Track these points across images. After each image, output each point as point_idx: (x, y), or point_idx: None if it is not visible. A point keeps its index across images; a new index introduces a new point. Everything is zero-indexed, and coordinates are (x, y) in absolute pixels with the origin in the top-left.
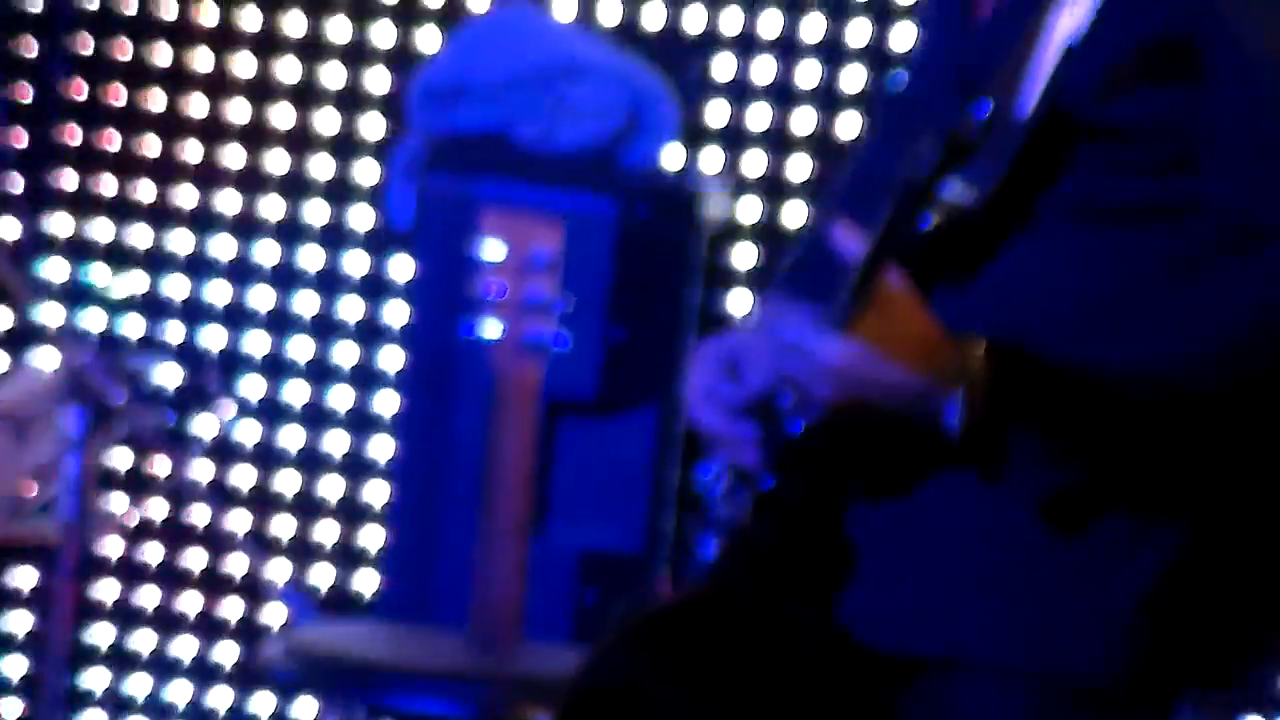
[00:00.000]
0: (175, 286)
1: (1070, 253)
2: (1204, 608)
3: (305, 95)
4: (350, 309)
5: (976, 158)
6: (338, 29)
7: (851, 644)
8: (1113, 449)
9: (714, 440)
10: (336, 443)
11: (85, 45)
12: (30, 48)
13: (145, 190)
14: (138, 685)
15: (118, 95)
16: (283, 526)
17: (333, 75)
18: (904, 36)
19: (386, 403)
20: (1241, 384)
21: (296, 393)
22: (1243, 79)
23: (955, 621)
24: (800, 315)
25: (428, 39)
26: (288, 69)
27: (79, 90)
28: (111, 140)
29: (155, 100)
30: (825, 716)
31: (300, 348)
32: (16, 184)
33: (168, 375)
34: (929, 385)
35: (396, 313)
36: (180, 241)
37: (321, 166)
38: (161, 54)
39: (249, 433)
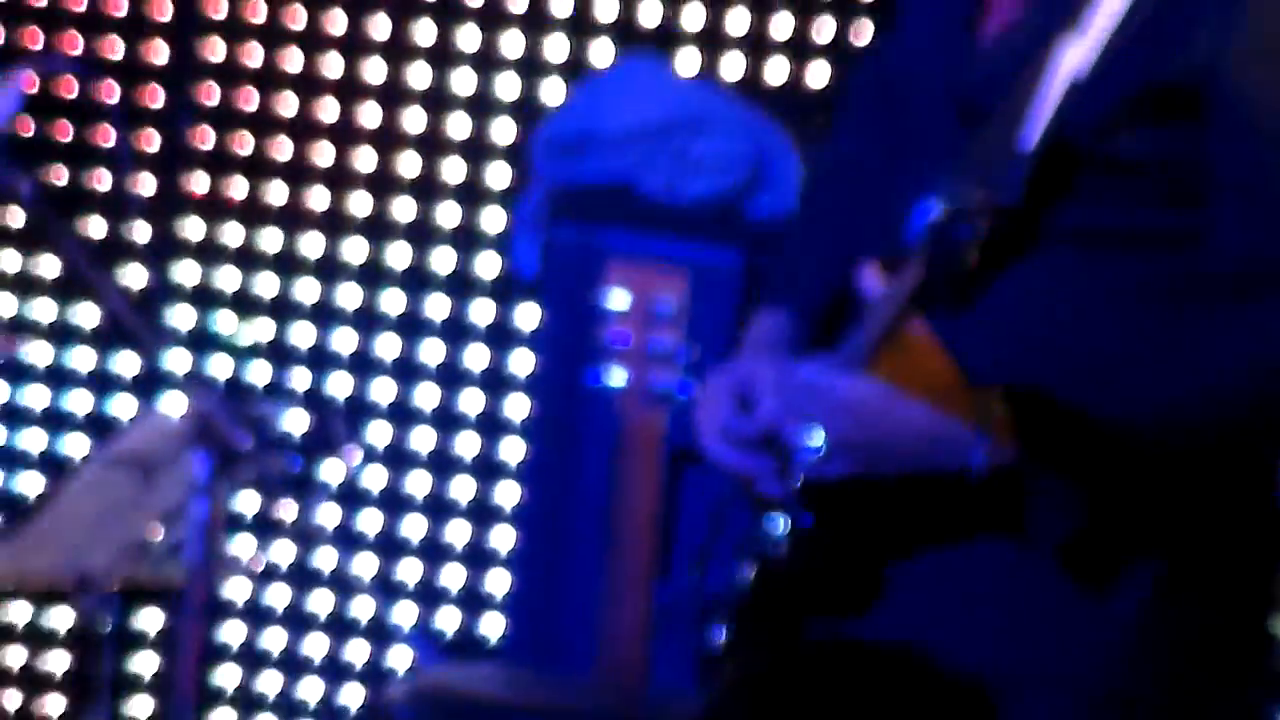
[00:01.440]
0: (301, 334)
1: (1075, 282)
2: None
3: (431, 144)
4: (476, 357)
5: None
6: (463, 80)
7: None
8: (1128, 494)
9: (730, 475)
10: (463, 489)
11: (211, 95)
12: (156, 97)
13: (271, 238)
14: None
15: (243, 143)
16: (409, 571)
17: (459, 125)
18: None
19: (512, 450)
20: (1244, 431)
21: (422, 439)
22: (1251, 131)
23: (985, 645)
24: (817, 360)
25: (552, 90)
26: (414, 119)
27: (205, 138)
28: (238, 187)
29: (281, 149)
30: None
31: (426, 395)
32: (145, 232)
33: (294, 421)
34: (954, 428)
35: (522, 361)
36: (306, 289)
37: (448, 214)
38: (287, 103)
39: (375, 479)
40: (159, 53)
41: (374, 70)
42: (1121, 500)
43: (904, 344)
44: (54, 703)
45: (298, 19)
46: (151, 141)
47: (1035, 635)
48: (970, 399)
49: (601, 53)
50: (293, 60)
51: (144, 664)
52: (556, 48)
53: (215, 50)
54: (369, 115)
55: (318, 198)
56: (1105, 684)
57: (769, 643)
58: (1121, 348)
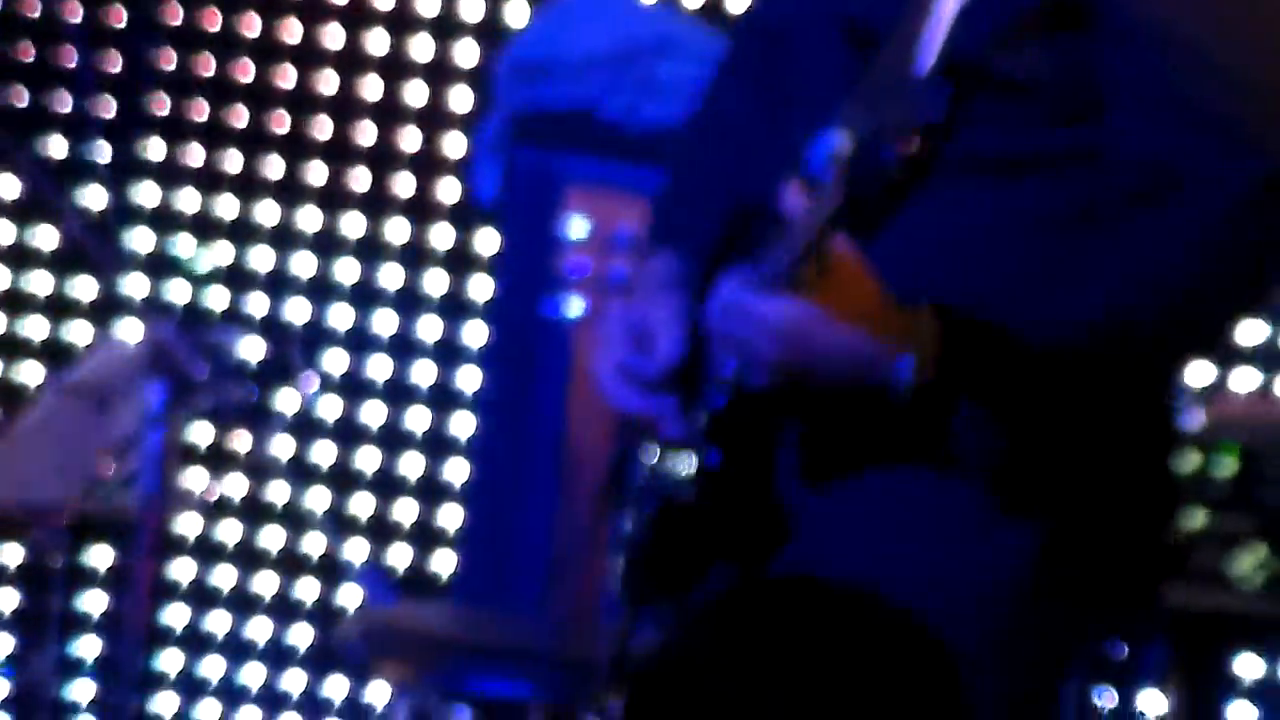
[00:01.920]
0: (260, 259)
1: (979, 206)
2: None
3: (393, 68)
4: (434, 284)
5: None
6: (426, 3)
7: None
8: (1043, 412)
9: (630, 417)
10: (417, 420)
11: (175, 16)
12: (120, 17)
13: (232, 160)
14: (212, 667)
15: (207, 66)
16: (362, 505)
17: (422, 48)
18: None
19: (469, 379)
20: (1162, 339)
21: (379, 368)
22: (1143, 32)
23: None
24: (738, 278)
25: (516, 14)
26: (377, 42)
27: (168, 60)
28: (200, 111)
29: (244, 72)
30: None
31: (384, 322)
32: (104, 153)
33: (251, 349)
34: (880, 348)
35: (481, 288)
36: (266, 214)
37: (409, 140)
38: (250, 25)
39: (330, 409)
40: None
41: None
42: (1036, 420)
43: (829, 263)
44: (2, 641)
45: None
46: (114, 62)
47: (942, 567)
48: (899, 316)
49: None
50: None
51: (94, 602)
52: None
53: None
54: (331, 38)
55: (278, 121)
56: (995, 601)
57: (689, 582)
58: (1030, 268)
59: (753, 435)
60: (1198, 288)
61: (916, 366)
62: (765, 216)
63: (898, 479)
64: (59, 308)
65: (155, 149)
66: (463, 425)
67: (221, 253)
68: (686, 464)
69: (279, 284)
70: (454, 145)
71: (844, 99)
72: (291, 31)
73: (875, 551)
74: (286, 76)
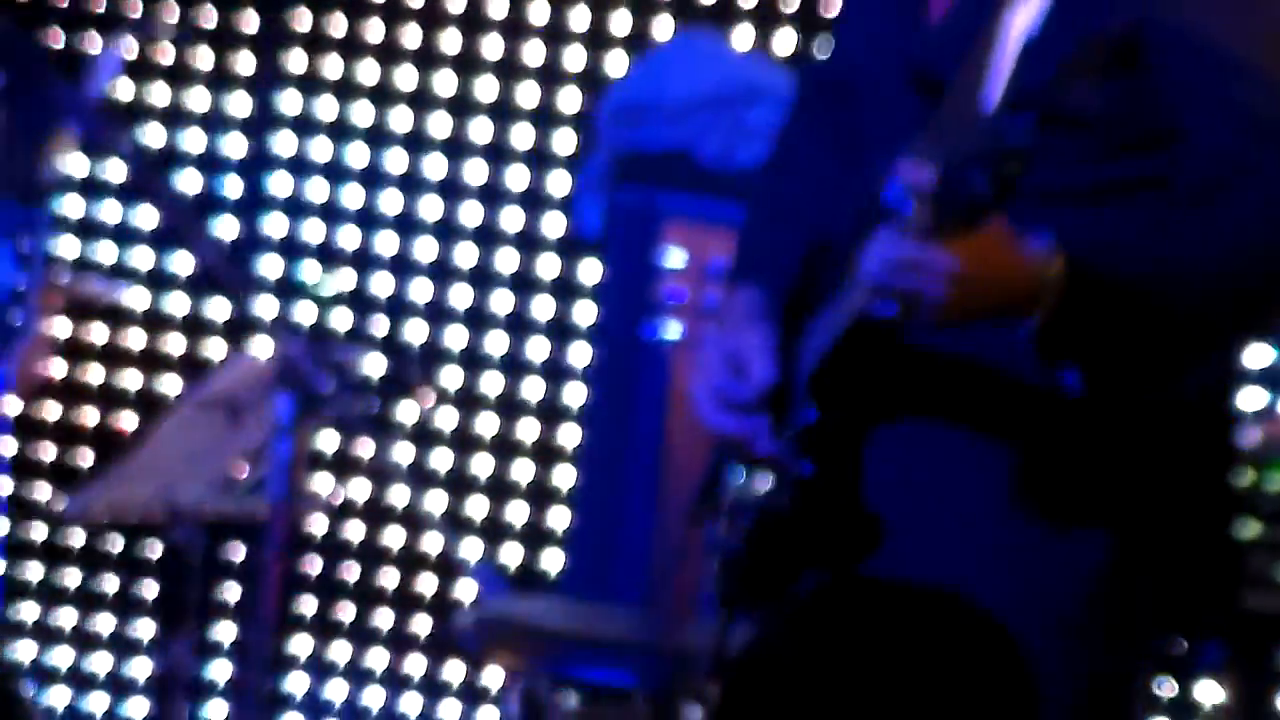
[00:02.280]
0: (381, 284)
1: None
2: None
3: (501, 112)
4: (542, 308)
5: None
6: (533, 51)
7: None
8: (1148, 358)
9: (727, 438)
10: (528, 431)
11: (298, 63)
12: (249, 65)
13: (353, 195)
14: (338, 652)
15: (327, 110)
16: (476, 508)
17: (528, 94)
18: None
19: (574, 395)
20: (1228, 311)
21: (491, 384)
22: (1192, 59)
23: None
24: (889, 234)
25: (616, 62)
26: (486, 88)
27: (291, 103)
28: (321, 149)
29: (362, 114)
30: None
31: (495, 343)
32: (235, 189)
33: (373, 366)
34: (1020, 298)
35: (585, 313)
36: (385, 244)
37: (517, 178)
38: (368, 70)
39: (447, 420)
40: (249, 21)
41: (449, 41)
42: (1132, 365)
43: (975, 231)
44: (145, 627)
45: None
46: (243, 106)
47: (1021, 575)
48: (1034, 268)
49: (663, 27)
50: (372, 30)
51: (229, 592)
52: (620, 21)
53: (301, 20)
54: (444, 83)
55: (395, 160)
56: (1072, 617)
57: (783, 586)
58: (1127, 253)
59: (842, 448)
60: (1249, 269)
61: (1040, 313)
62: (838, 251)
63: (982, 491)
64: (195, 327)
65: (281, 185)
66: (569, 436)
67: (345, 279)
68: (772, 479)
69: (398, 308)
70: (559, 183)
71: (915, 137)
72: (407, 78)
73: (959, 558)
74: (402, 119)
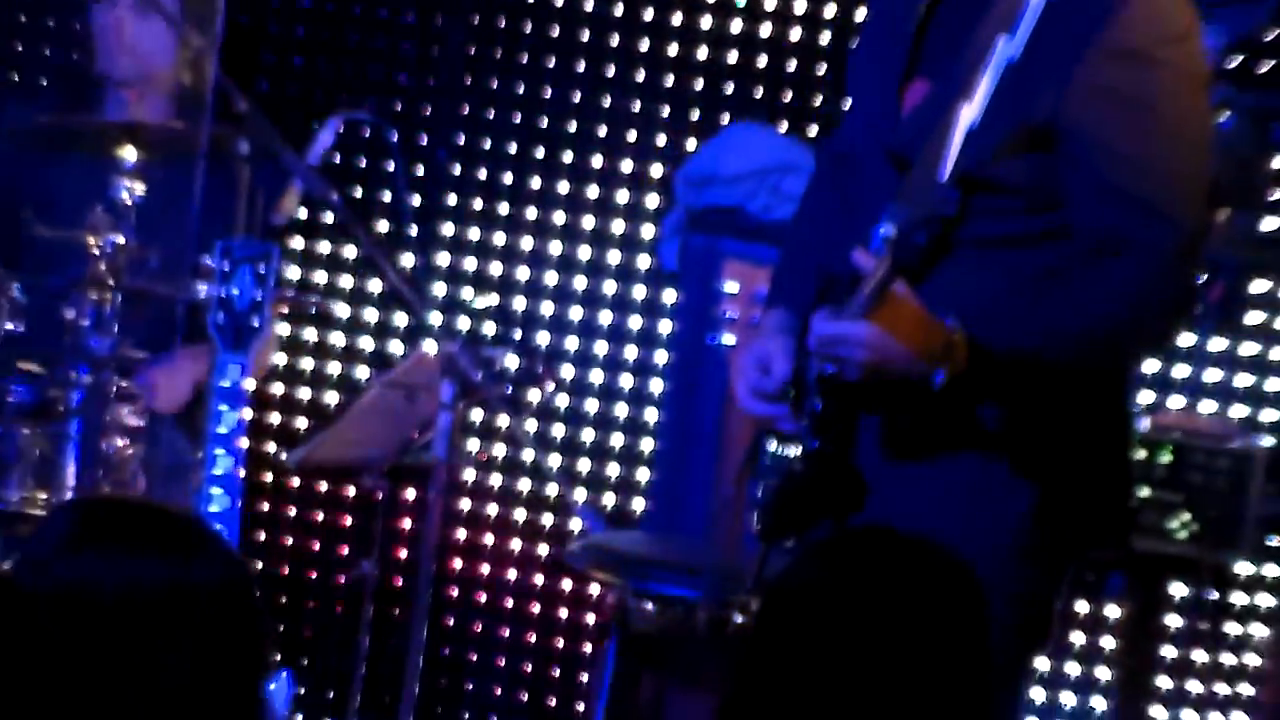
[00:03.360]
0: (517, 303)
1: (985, 268)
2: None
3: (607, 177)
4: (634, 321)
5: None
6: (630, 133)
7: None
8: (1032, 402)
9: (759, 419)
10: (621, 410)
11: (459, 139)
12: (423, 139)
13: (498, 238)
14: (484, 570)
15: (482, 172)
16: (584, 465)
17: (626, 164)
18: None
19: (656, 385)
20: (1104, 355)
21: (595, 376)
22: (1088, 145)
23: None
24: (828, 315)
25: (689, 143)
26: (595, 159)
27: (456, 169)
28: (478, 202)
29: (507, 179)
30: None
31: (599, 346)
32: (414, 230)
33: (510, 362)
34: (915, 360)
35: (665, 326)
36: (522, 274)
37: (618, 226)
38: (506, 146)
39: (562, 401)
40: (437, 110)
41: (570, 123)
42: (1027, 402)
43: (889, 299)
44: (343, 550)
45: (512, 88)
46: (420, 169)
47: (967, 521)
48: (940, 332)
49: (724, 118)
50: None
51: (405, 523)
52: (694, 113)
53: (464, 109)
54: (566, 155)
55: (529, 212)
56: (1008, 544)
57: (802, 527)
58: (1018, 309)
59: (840, 429)
60: (1132, 309)
61: (949, 370)
62: (841, 283)
63: (937, 460)
64: (383, 330)
65: (448, 229)
66: (651, 415)
67: (491, 298)
68: (796, 449)
69: (530, 320)
70: (648, 231)
71: (889, 202)
72: (538, 152)
73: (922, 510)
74: (534, 181)
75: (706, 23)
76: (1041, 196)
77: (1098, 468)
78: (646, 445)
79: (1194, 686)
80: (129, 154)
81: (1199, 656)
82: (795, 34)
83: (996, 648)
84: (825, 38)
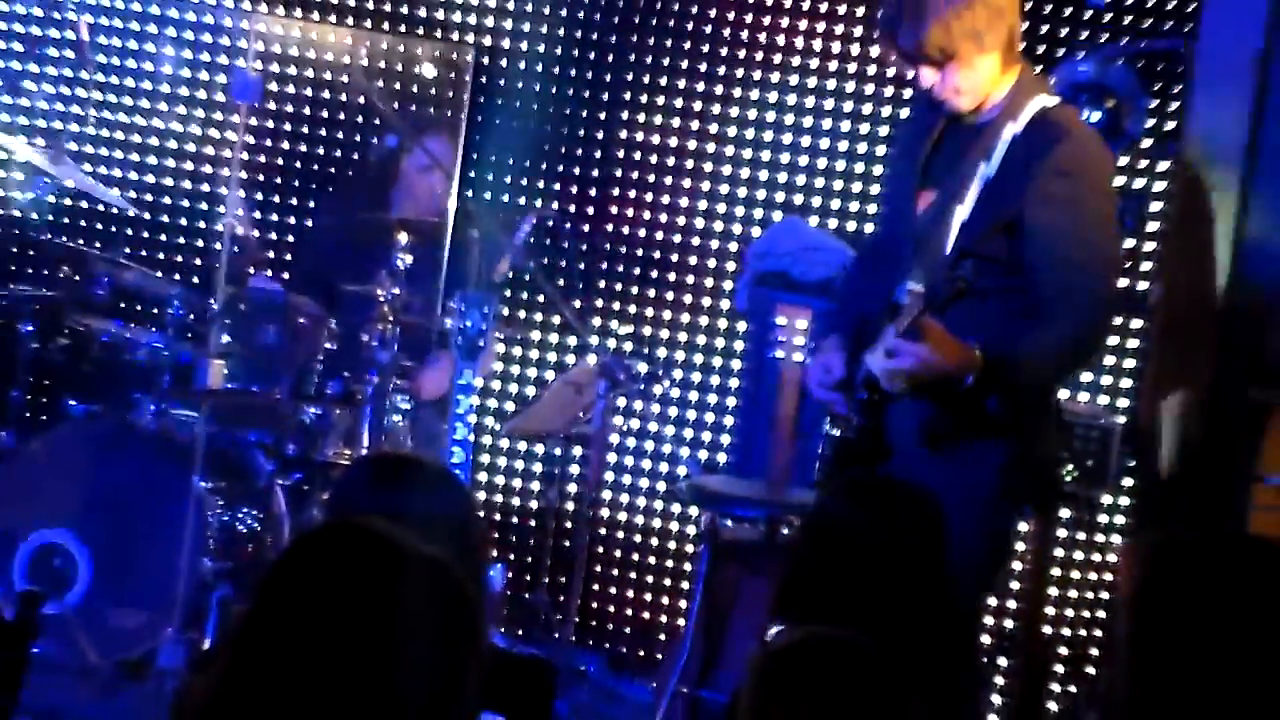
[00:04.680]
0: (646, 329)
1: (986, 309)
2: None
3: (704, 251)
4: (720, 341)
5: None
6: (715, 227)
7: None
8: (1018, 393)
9: (824, 402)
10: (713, 398)
11: (602, 227)
12: (591, 231)
13: (618, 281)
14: (617, 506)
15: (628, 254)
16: (687, 432)
17: (711, 239)
18: None
19: (734, 382)
20: (1059, 370)
21: (696, 376)
22: (1040, 230)
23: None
24: (900, 342)
25: (757, 230)
26: (693, 234)
27: (605, 249)
28: (621, 272)
29: (633, 257)
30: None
31: (697, 357)
32: (579, 288)
33: (641, 367)
34: (958, 368)
35: (739, 344)
36: (649, 311)
37: (710, 280)
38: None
39: (674, 392)
40: (598, 210)
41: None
42: (1015, 395)
43: (928, 328)
44: (528, 492)
45: (639, 213)
46: (584, 246)
47: (948, 477)
48: (965, 351)
49: (777, 215)
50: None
51: (574, 469)
52: (754, 214)
53: (612, 208)
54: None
55: (653, 271)
56: (983, 494)
57: (843, 473)
58: (1010, 334)
59: (876, 413)
60: (1074, 340)
61: (974, 376)
62: (873, 321)
63: (936, 435)
64: (561, 349)
65: (601, 283)
66: (732, 400)
67: (629, 327)
68: (849, 423)
69: (655, 340)
70: (730, 285)
71: (910, 268)
72: (658, 240)
73: (920, 469)
74: (657, 255)
75: (766, 155)
76: (1012, 264)
77: (1038, 440)
78: (728, 421)
79: (1074, 574)
80: (403, 237)
81: (1077, 554)
82: (822, 162)
83: (971, 563)
84: (840, 165)
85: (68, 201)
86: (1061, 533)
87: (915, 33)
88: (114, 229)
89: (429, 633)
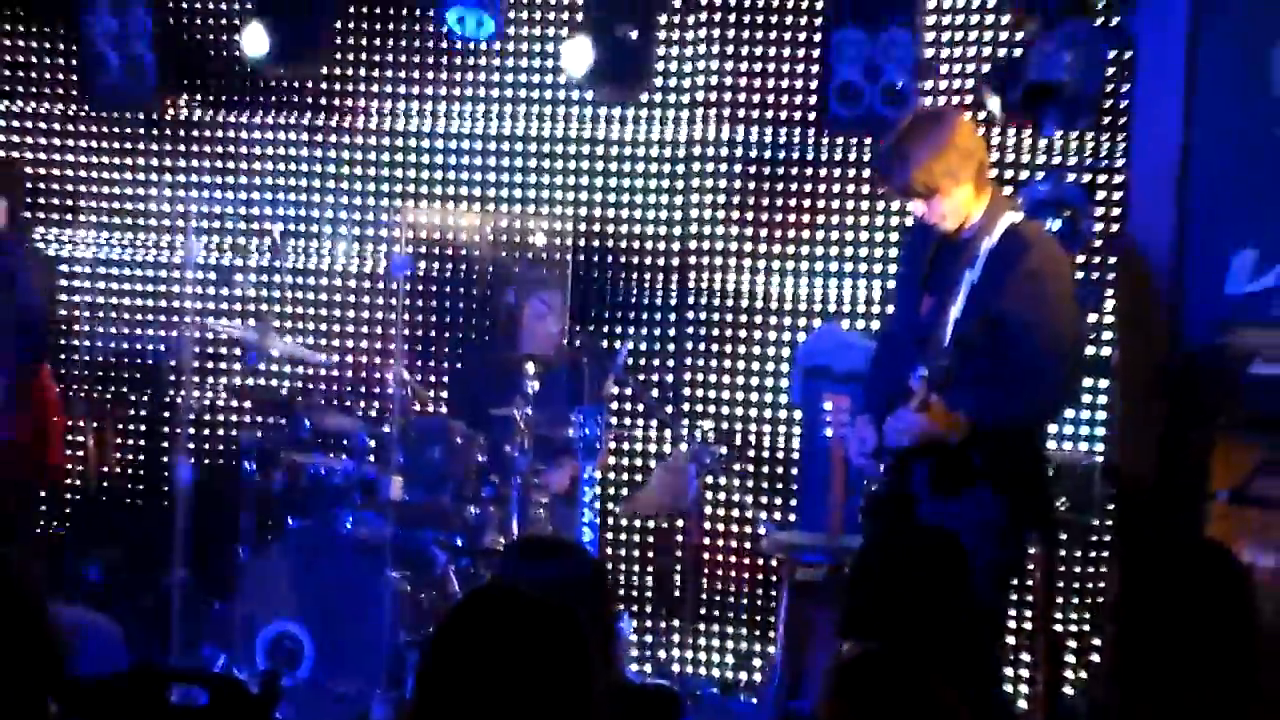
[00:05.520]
0: (725, 423)
1: (970, 384)
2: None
3: (764, 358)
4: (784, 427)
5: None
6: (772, 335)
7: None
8: (1005, 441)
9: (860, 466)
10: (780, 469)
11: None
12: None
13: (711, 393)
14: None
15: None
16: (764, 498)
17: (771, 349)
18: None
19: (796, 455)
20: (1034, 417)
21: (766, 452)
22: (1011, 319)
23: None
24: (903, 411)
25: (804, 333)
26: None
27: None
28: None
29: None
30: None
31: (765, 438)
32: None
33: (721, 451)
34: (945, 432)
35: (798, 428)
36: (724, 410)
37: (771, 380)
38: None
39: (750, 467)
40: (678, 342)
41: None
42: (994, 450)
43: (930, 405)
44: (646, 558)
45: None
46: (670, 364)
47: (961, 518)
48: (956, 419)
49: (816, 324)
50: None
51: (678, 537)
52: (800, 320)
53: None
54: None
55: (725, 378)
56: (991, 526)
57: (880, 519)
58: (995, 397)
59: (900, 473)
60: (1039, 407)
61: (959, 436)
62: (897, 398)
63: (956, 487)
64: (659, 441)
65: (686, 390)
66: (794, 470)
67: (710, 422)
68: (882, 482)
69: (729, 433)
70: (784, 381)
71: (918, 359)
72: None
73: (946, 512)
74: (727, 364)
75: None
76: (994, 350)
77: (1033, 481)
78: (793, 487)
79: (1075, 584)
80: (529, 368)
81: (1076, 568)
82: (849, 266)
83: (984, 586)
84: (864, 271)
85: (274, 366)
86: (1061, 552)
87: (903, 175)
88: (310, 384)
89: (561, 668)
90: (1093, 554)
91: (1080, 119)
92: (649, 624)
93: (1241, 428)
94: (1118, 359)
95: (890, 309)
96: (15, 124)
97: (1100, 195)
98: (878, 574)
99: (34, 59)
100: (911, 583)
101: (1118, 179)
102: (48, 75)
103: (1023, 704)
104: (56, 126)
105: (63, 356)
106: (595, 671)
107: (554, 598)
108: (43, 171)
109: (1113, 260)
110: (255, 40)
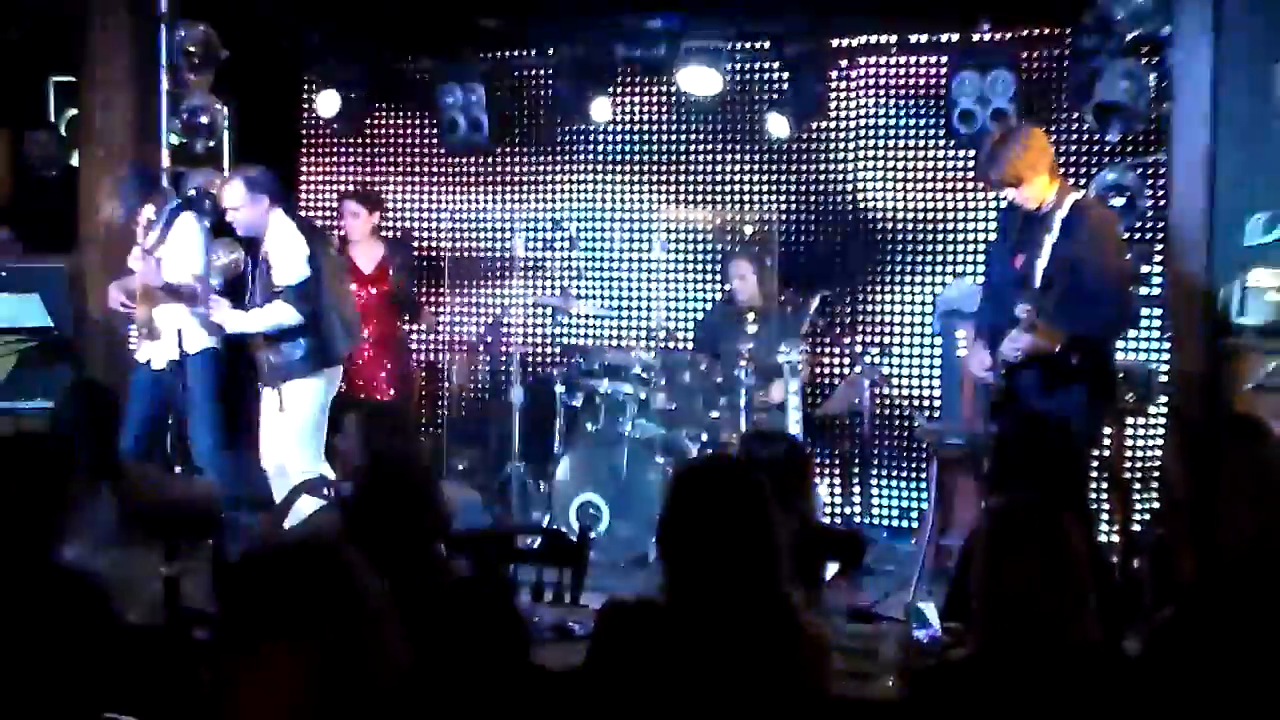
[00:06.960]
0: (892, 349)
1: (1058, 309)
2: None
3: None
4: (929, 350)
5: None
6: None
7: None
8: (1089, 351)
9: (980, 378)
10: (927, 378)
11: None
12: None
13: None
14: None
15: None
16: (917, 399)
17: (920, 298)
18: None
19: (938, 370)
20: (1111, 330)
21: (917, 369)
22: (1087, 266)
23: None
24: (1015, 334)
25: (938, 288)
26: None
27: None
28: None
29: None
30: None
31: (916, 361)
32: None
33: (885, 370)
34: (1050, 343)
35: (939, 350)
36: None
37: (920, 316)
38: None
39: (904, 373)
40: None
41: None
42: (1085, 349)
43: (1036, 325)
44: (839, 440)
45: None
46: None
47: (1066, 398)
48: (1053, 332)
49: (949, 277)
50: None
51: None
52: (948, 277)
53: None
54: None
55: (901, 282)
56: (1080, 409)
57: (1001, 412)
58: (1074, 317)
59: (1011, 377)
60: (1108, 322)
61: (1060, 345)
62: (1000, 329)
63: (1054, 383)
64: (840, 362)
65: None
66: (939, 377)
67: (879, 349)
68: (997, 387)
69: (892, 352)
70: (929, 319)
71: (1018, 297)
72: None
73: (1042, 403)
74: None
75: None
76: (1072, 283)
77: (1108, 378)
78: (938, 391)
79: (1138, 454)
80: (750, 315)
81: (1139, 443)
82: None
83: (1082, 437)
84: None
85: (575, 322)
86: (1128, 432)
87: (998, 171)
88: (600, 332)
89: (747, 515)
90: (1152, 434)
91: (1135, 127)
92: (838, 487)
93: (1259, 337)
94: (1169, 294)
95: (988, 266)
96: (392, 170)
97: (1150, 181)
98: (1015, 448)
99: (403, 125)
100: (1041, 450)
101: (1163, 169)
102: (414, 134)
103: (1102, 537)
104: (417, 168)
105: (444, 324)
106: (774, 520)
107: (771, 470)
108: (408, 200)
109: (1161, 226)
110: (600, 110)
